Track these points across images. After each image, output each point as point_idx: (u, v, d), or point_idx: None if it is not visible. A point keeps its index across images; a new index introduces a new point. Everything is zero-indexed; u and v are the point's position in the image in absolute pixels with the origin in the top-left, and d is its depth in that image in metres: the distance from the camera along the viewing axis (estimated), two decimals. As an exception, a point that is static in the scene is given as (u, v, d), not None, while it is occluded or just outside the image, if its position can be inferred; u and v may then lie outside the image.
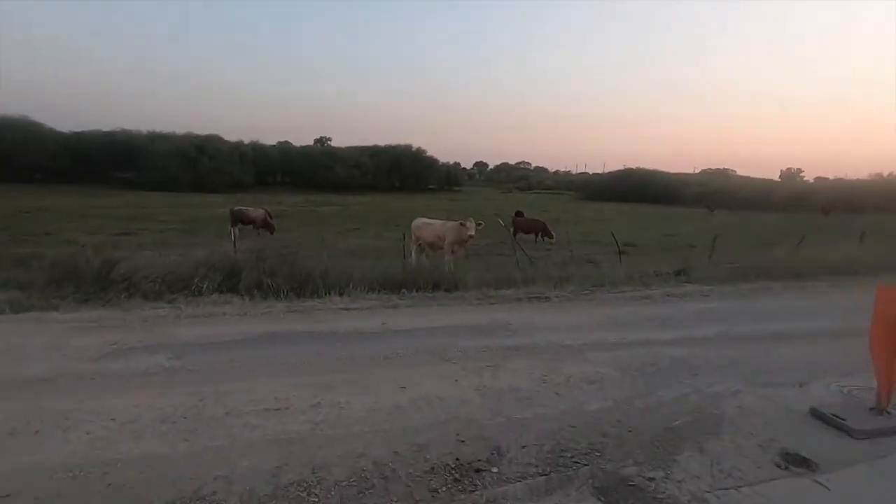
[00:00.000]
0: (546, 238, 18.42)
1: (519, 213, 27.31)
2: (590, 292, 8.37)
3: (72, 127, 51.99)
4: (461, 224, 10.43)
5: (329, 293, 6.99)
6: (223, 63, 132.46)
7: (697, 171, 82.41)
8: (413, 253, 11.40)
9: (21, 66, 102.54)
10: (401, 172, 63.26)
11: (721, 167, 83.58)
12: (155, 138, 50.87)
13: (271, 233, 18.99)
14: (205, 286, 6.74)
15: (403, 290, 7.34)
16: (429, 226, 11.27)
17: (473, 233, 10.29)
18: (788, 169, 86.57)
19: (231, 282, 6.86)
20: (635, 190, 61.24)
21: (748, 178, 74.68)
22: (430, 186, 67.27)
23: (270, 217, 19.67)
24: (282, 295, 6.77)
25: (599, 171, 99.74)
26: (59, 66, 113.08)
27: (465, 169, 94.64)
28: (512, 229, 18.89)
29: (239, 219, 19.01)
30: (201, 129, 59.25)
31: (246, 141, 57.75)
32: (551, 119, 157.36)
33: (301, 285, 6.96)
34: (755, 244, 17.30)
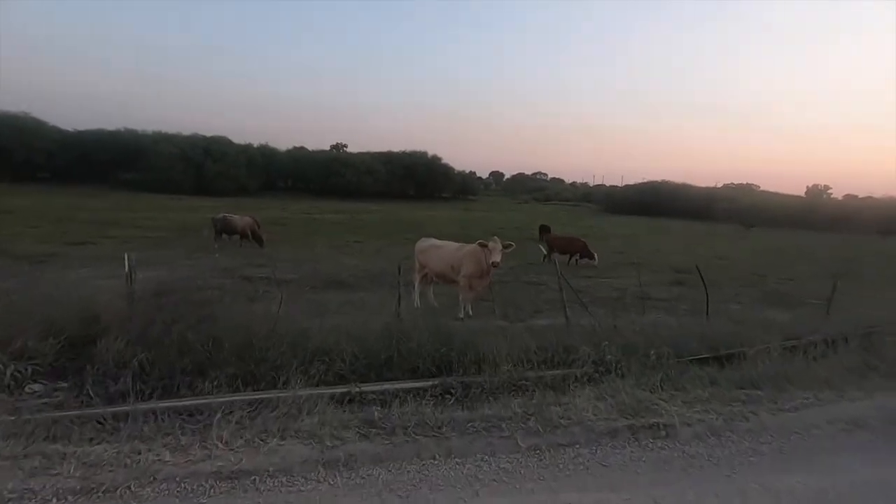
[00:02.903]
0: (586, 260, 15.33)
1: (545, 228, 24.36)
2: (740, 408, 4.33)
3: (83, 125, 50.43)
4: (482, 246, 7.52)
5: (229, 418, 3.45)
6: (240, 67, 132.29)
7: (719, 185, 78.49)
8: (416, 286, 8.53)
9: (28, 64, 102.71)
10: (415, 180, 60.61)
11: (744, 182, 79.62)
12: (159, 139, 48.93)
13: (260, 245, 16.35)
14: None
15: (378, 406, 3.88)
16: (438, 250, 8.33)
17: (500, 259, 7.39)
18: (815, 185, 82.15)
19: (74, 359, 3.95)
20: (660, 204, 57.87)
21: (775, 193, 70.83)
22: (444, 195, 64.55)
23: (259, 226, 17.03)
24: (145, 395, 3.62)
25: (617, 184, 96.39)
26: (70, 65, 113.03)
27: (480, 178, 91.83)
28: (544, 248, 15.91)
29: (222, 228, 16.42)
30: (215, 130, 57.30)
31: (256, 144, 55.74)
32: (567, 130, 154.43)
33: (187, 378, 3.84)
34: (856, 278, 14.04)
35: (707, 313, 7.94)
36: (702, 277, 8.06)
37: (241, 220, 16.64)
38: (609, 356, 4.60)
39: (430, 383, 4.14)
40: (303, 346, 4.33)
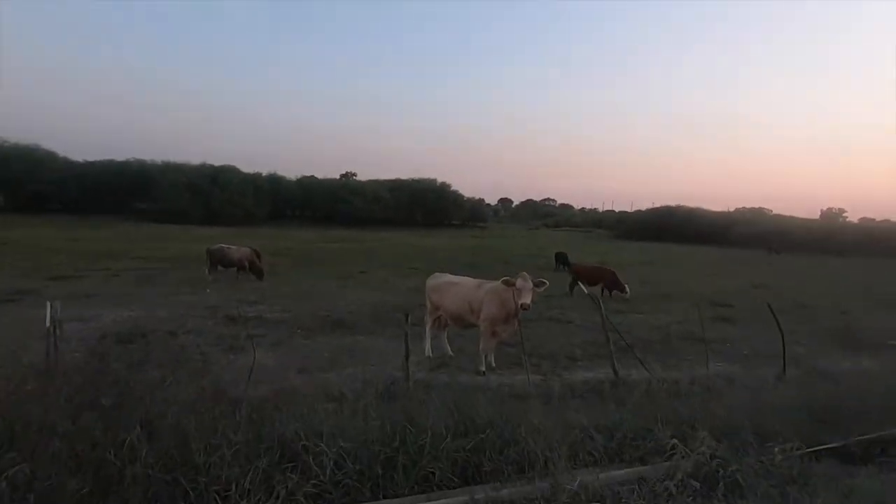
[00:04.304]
0: (616, 292, 13.83)
1: (561, 255, 23.02)
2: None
3: (93, 156, 50.53)
4: (508, 284, 6.18)
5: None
6: (249, 96, 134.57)
7: (732, 209, 76.76)
8: (427, 331, 7.16)
9: (39, 96, 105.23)
10: (424, 207, 59.73)
11: (756, 205, 77.84)
12: (168, 168, 48.78)
13: (259, 278, 15.16)
14: None
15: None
16: (453, 287, 6.95)
17: (530, 300, 6.04)
18: (829, 209, 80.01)
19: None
20: (675, 229, 56.39)
21: (791, 217, 68.90)
22: (454, 222, 63.60)
23: (259, 258, 15.87)
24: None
25: (627, 209, 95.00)
26: (80, 96, 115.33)
27: (488, 205, 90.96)
28: (570, 279, 14.47)
29: (218, 259, 15.28)
30: (224, 159, 57.09)
31: (264, 173, 55.45)
32: (574, 156, 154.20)
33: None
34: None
35: (784, 366, 6.47)
36: (776, 319, 6.60)
37: (238, 250, 15.50)
38: (705, 448, 3.19)
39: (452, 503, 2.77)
40: (268, 442, 2.99)
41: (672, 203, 68.98)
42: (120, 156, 51.33)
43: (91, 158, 49.96)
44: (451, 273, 7.99)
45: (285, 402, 3.77)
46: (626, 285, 13.89)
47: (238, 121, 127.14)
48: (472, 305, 6.50)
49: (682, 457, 3.19)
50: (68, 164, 46.77)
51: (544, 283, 6.23)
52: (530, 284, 6.11)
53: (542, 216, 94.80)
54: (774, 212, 74.53)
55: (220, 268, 15.22)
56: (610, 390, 5.48)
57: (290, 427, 3.17)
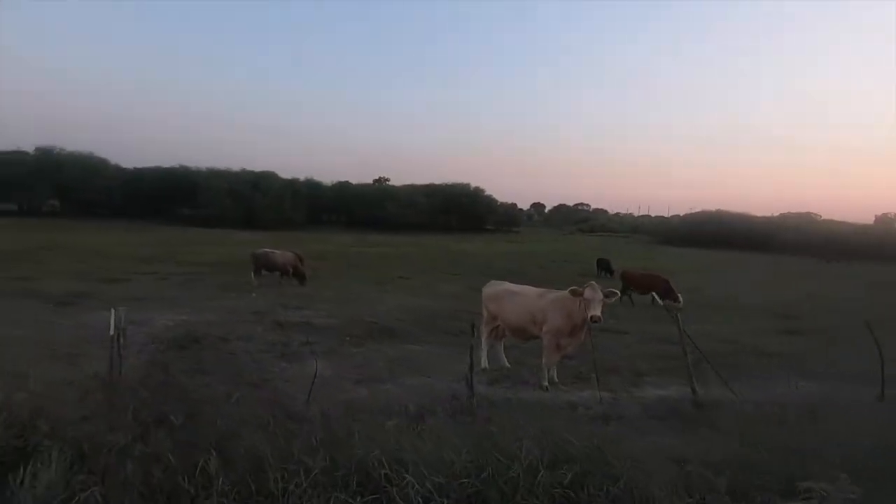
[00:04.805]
0: (669, 301, 13.11)
1: (603, 262, 22.32)
2: None
3: (141, 163, 52.86)
4: (575, 294, 5.78)
5: None
6: (287, 103, 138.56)
7: (776, 214, 72.91)
8: (483, 342, 6.82)
9: (94, 105, 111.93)
10: (458, 212, 59.61)
11: (802, 210, 73.67)
12: (211, 175, 50.40)
13: (301, 282, 15.19)
14: None
15: None
16: (514, 297, 6.56)
17: (600, 312, 5.63)
18: (885, 214, 74.99)
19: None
20: (718, 234, 54.19)
21: (841, 222, 64.93)
22: (487, 227, 63.16)
23: (301, 262, 15.93)
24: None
25: (664, 214, 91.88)
26: (130, 104, 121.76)
27: (521, 210, 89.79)
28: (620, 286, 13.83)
29: (262, 264, 15.42)
30: (263, 165, 58.58)
31: (301, 178, 56.62)
32: (608, 160, 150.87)
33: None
34: None
35: (883, 388, 5.81)
36: (874, 337, 5.94)
37: (282, 255, 15.59)
38: (852, 495, 2.71)
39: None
40: (343, 469, 2.72)
41: (712, 207, 66.56)
42: (166, 162, 53.52)
43: (139, 165, 52.26)
44: (501, 279, 7.64)
45: (355, 421, 3.50)
46: (679, 294, 13.19)
47: (275, 128, 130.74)
48: (535, 317, 6.13)
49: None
50: (119, 171, 49.01)
51: (615, 293, 5.81)
52: (600, 295, 5.70)
53: (577, 221, 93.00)
54: (823, 217, 70.69)
55: (263, 272, 15.36)
56: (693, 412, 5.00)
57: (367, 451, 2.89)
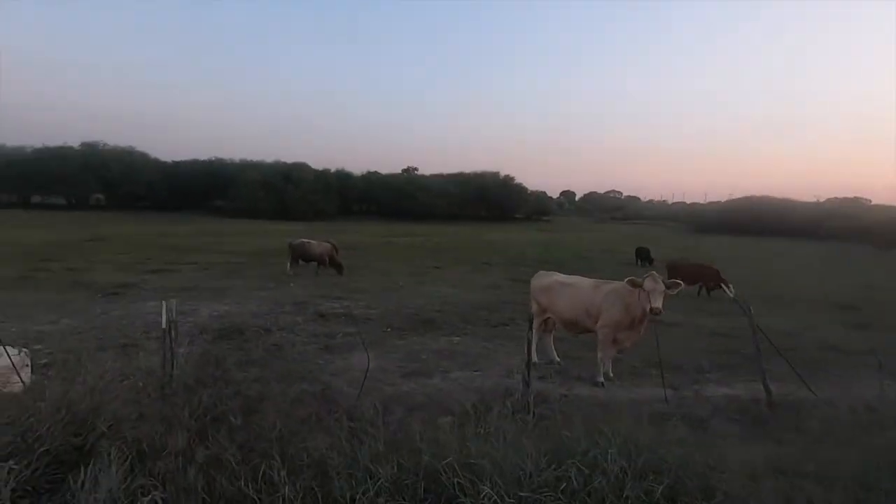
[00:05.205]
0: (717, 289, 12.43)
1: (643, 251, 21.52)
2: None
3: (179, 157, 54.41)
4: (634, 284, 5.43)
5: None
6: (317, 96, 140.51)
7: (822, 199, 69.04)
8: (533, 334, 6.52)
9: (135, 100, 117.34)
10: (488, 201, 59.05)
11: (851, 195, 69.55)
12: (245, 167, 51.40)
13: (339, 272, 15.18)
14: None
15: None
16: (567, 289, 6.22)
17: (661, 304, 5.26)
18: None
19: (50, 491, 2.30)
20: (761, 221, 51.94)
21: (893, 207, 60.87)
22: (517, 216, 62.38)
23: (337, 252, 15.92)
24: None
25: (699, 201, 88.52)
26: (169, 100, 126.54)
27: (550, 198, 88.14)
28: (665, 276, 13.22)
29: (300, 254, 15.48)
30: (295, 157, 59.58)
31: (332, 169, 57.06)
32: (641, 148, 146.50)
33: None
34: None
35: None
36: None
37: (319, 245, 15.60)
38: None
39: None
40: (410, 476, 2.51)
41: (755, 194, 63.72)
42: (201, 155, 54.91)
43: (177, 158, 53.81)
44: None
45: (414, 419, 3.30)
46: (730, 285, 12.51)
47: (305, 118, 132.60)
48: (590, 310, 5.79)
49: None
50: (158, 165, 50.56)
51: (678, 283, 5.41)
52: (662, 286, 5.32)
53: (609, 209, 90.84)
54: (874, 202, 66.67)
55: (300, 262, 15.43)
56: (769, 414, 4.60)
57: (433, 456, 2.68)
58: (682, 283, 5.48)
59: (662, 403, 4.96)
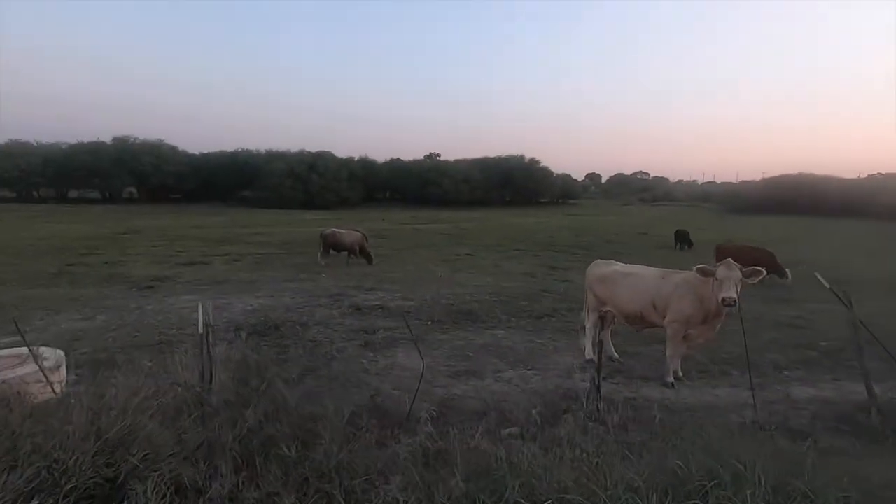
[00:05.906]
0: (774, 276, 11.56)
1: (682, 234, 20.53)
2: None
3: (207, 149, 55.14)
4: (705, 273, 4.86)
5: None
6: (340, 84, 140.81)
7: (863, 175, 65.42)
8: (588, 330, 6.02)
9: (163, 95, 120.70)
10: (512, 186, 57.98)
11: (888, 172, 65.60)
12: (271, 157, 51.65)
13: (369, 262, 14.91)
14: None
15: None
16: (628, 279, 5.66)
17: (735, 294, 4.68)
18: None
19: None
20: (800, 200, 49.59)
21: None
22: (542, 200, 61.16)
23: (367, 241, 15.64)
24: None
25: (731, 181, 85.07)
26: (196, 93, 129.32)
27: (575, 180, 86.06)
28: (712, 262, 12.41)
29: (331, 244, 15.25)
30: (319, 145, 59.59)
31: (356, 157, 56.89)
32: (666, 127, 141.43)
33: None
34: None
35: None
36: None
37: (349, 235, 15.34)
38: None
39: None
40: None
41: (790, 171, 60.83)
42: (228, 147, 55.44)
43: (205, 151, 54.48)
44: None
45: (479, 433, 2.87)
46: (786, 269, 11.68)
47: (329, 107, 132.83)
48: (657, 302, 5.25)
49: None
50: (187, 157, 51.27)
51: (760, 271, 4.80)
52: (738, 274, 4.73)
53: (637, 191, 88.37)
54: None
55: (331, 252, 15.21)
56: (878, 423, 4.02)
57: (519, 490, 2.25)
58: (763, 270, 4.86)
59: (746, 408, 4.41)
